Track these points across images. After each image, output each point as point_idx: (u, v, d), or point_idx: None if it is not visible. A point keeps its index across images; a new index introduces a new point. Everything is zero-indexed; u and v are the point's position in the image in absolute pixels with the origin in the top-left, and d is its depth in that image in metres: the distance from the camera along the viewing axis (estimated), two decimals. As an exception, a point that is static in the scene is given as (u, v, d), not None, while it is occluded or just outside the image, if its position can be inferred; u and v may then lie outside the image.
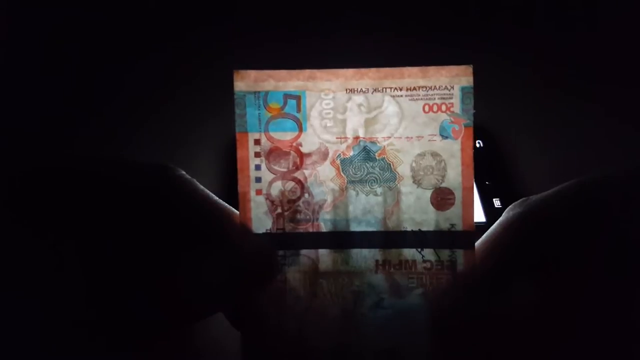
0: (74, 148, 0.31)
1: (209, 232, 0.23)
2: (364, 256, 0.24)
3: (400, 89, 0.24)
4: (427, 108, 0.24)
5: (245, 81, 0.24)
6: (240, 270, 0.23)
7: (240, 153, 0.24)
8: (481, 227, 0.24)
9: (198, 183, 0.24)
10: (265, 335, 0.24)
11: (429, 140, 0.24)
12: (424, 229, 0.24)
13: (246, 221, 0.24)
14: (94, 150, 0.32)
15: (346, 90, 0.24)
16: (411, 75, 0.24)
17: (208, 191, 0.24)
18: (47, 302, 0.20)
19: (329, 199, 0.25)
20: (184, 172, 0.24)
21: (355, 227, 0.25)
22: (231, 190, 0.25)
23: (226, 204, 0.24)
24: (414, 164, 0.24)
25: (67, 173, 0.22)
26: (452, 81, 0.24)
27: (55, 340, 0.20)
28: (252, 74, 0.24)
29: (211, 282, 0.23)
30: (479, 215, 0.41)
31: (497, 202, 0.39)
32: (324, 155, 0.24)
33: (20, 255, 0.21)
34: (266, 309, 0.24)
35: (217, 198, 0.24)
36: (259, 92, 0.24)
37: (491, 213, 0.40)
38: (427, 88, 0.24)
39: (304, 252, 0.25)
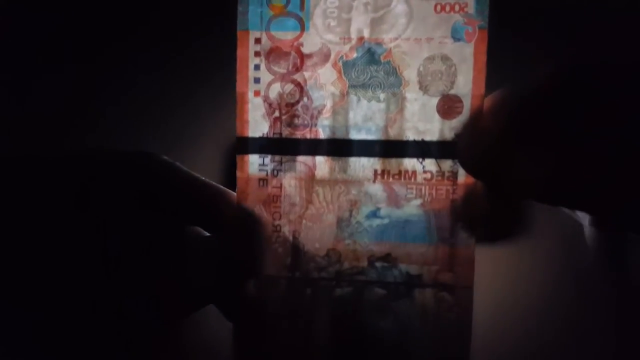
0: (72, 146, 0.32)
1: (198, 211, 0.23)
2: (363, 165, 0.23)
3: None
4: (438, 8, 0.22)
5: None
6: (233, 257, 0.23)
7: (240, 52, 0.24)
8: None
9: (181, 165, 0.23)
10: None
11: (440, 43, 0.22)
12: (427, 138, 0.23)
13: (243, 124, 0.24)
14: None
15: None
16: None
17: (194, 173, 0.23)
18: (38, 301, 0.20)
19: (329, 104, 0.23)
20: (166, 157, 0.23)
21: (354, 135, 0.23)
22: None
23: (219, 185, 0.24)
24: (421, 69, 0.23)
25: (38, 168, 0.22)
26: None
27: (51, 340, 0.20)
28: None
29: (201, 271, 0.22)
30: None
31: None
32: (326, 56, 0.23)
33: (9, 255, 0.21)
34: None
35: (206, 179, 0.23)
36: None
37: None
38: None
39: (300, 158, 0.24)
